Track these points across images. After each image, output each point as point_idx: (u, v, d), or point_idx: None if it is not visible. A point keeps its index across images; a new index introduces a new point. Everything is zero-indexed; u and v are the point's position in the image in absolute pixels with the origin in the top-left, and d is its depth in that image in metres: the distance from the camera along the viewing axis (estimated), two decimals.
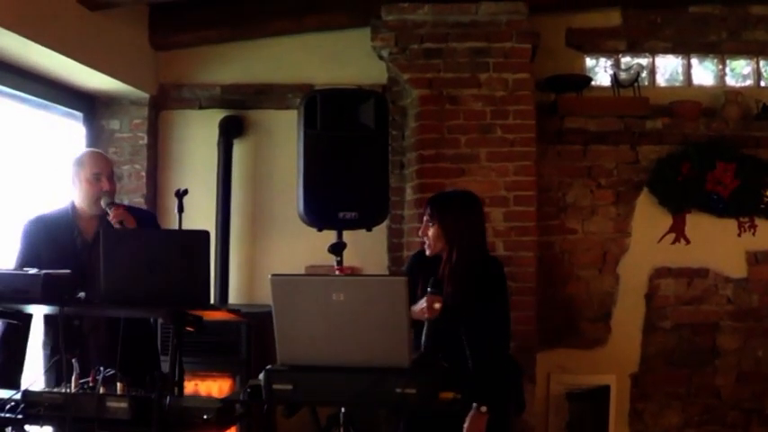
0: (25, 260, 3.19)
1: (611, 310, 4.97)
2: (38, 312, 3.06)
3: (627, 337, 4.95)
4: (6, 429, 2.54)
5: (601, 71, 5.19)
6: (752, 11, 5.04)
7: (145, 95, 4.93)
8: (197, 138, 5.06)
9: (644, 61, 5.14)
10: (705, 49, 5.13)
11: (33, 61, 4.03)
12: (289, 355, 2.51)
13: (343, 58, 4.95)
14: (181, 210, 3.17)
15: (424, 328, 3.01)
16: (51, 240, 3.26)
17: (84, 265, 3.13)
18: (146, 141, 4.96)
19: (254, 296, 4.95)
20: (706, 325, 4.95)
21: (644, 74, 5.09)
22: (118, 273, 2.64)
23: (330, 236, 4.23)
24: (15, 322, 2.94)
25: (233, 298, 4.91)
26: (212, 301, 4.40)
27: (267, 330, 2.60)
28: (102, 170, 3.32)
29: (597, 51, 5.15)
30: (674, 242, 4.97)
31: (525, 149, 4.56)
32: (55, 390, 2.56)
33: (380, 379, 2.39)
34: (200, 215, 4.47)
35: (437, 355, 2.85)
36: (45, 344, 3.30)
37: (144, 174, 4.94)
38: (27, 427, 2.57)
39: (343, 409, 3.18)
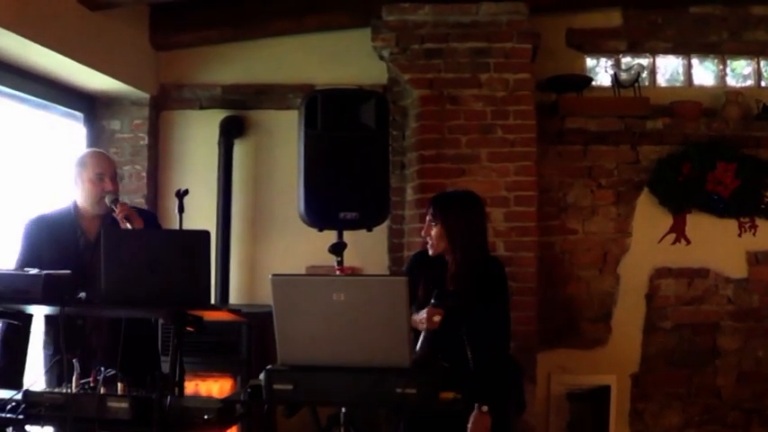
0: (26, 260, 3.19)
1: (612, 310, 4.97)
2: (38, 313, 3.06)
3: (627, 338, 4.95)
4: (7, 430, 2.55)
5: (601, 71, 5.19)
6: (752, 11, 5.04)
7: (145, 96, 4.93)
8: (198, 138, 5.06)
9: (644, 61, 5.14)
10: (706, 50, 5.13)
11: (33, 61, 4.03)
12: (289, 355, 2.51)
13: (344, 59, 4.95)
14: (181, 210, 3.17)
15: (421, 337, 3.00)
16: (53, 240, 3.26)
17: (86, 265, 3.13)
18: (146, 142, 4.96)
19: (255, 296, 4.95)
20: (706, 325, 4.95)
21: (644, 74, 5.09)
22: (118, 273, 2.64)
23: (331, 236, 4.22)
24: (16, 323, 2.94)
25: (233, 298, 4.91)
26: (213, 302, 4.40)
27: (268, 330, 2.60)
28: (105, 170, 3.32)
29: (598, 51, 5.16)
30: (674, 242, 4.97)
31: (526, 150, 4.56)
32: (56, 390, 2.56)
33: (381, 379, 2.40)
34: (200, 215, 4.47)
35: (437, 356, 2.85)
36: (46, 344, 3.31)
37: (144, 174, 4.94)
38: (28, 427, 2.57)
39: (343, 409, 3.18)
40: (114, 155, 4.81)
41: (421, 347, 2.97)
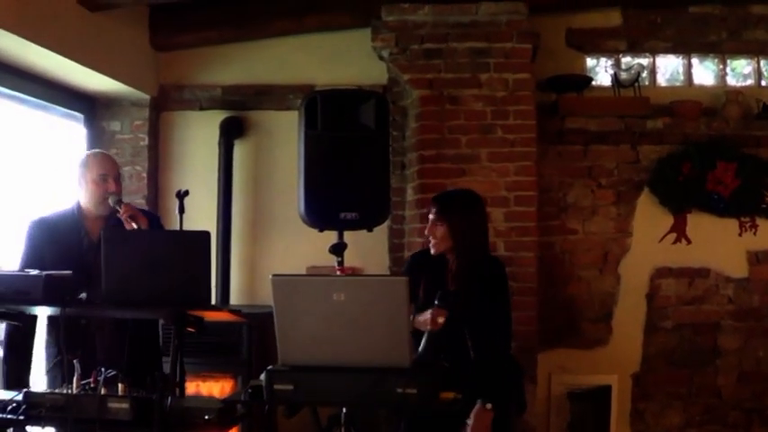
0: (29, 262, 3.19)
1: (612, 310, 4.97)
2: (40, 314, 3.06)
3: (628, 337, 4.94)
4: (8, 430, 2.55)
5: (601, 71, 5.19)
6: (752, 10, 5.03)
7: (145, 96, 4.93)
8: (198, 139, 5.07)
9: (644, 61, 5.14)
10: (705, 49, 5.13)
11: (33, 62, 4.03)
12: (290, 355, 2.51)
13: (344, 59, 4.95)
14: (182, 211, 3.17)
15: (424, 338, 3.00)
16: (56, 241, 3.25)
17: (90, 265, 3.12)
18: (146, 142, 4.96)
19: (256, 297, 4.95)
20: (707, 325, 4.95)
21: (644, 74, 5.09)
22: (119, 273, 2.64)
23: (331, 236, 4.23)
24: (17, 324, 2.94)
25: (234, 298, 4.91)
26: (213, 302, 4.39)
27: (268, 331, 2.60)
28: (108, 171, 3.32)
29: (598, 51, 5.15)
30: (674, 242, 4.97)
31: (526, 150, 4.56)
32: (56, 391, 2.56)
33: (381, 379, 2.40)
34: (201, 216, 4.47)
35: (439, 356, 2.85)
36: (48, 344, 3.30)
37: (145, 175, 4.94)
38: (28, 427, 2.57)
39: (344, 410, 3.18)
40: (114, 156, 4.78)
41: (424, 348, 2.97)
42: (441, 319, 3.01)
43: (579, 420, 4.85)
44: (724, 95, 4.93)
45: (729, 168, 4.83)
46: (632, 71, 4.96)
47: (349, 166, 4.21)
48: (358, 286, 2.55)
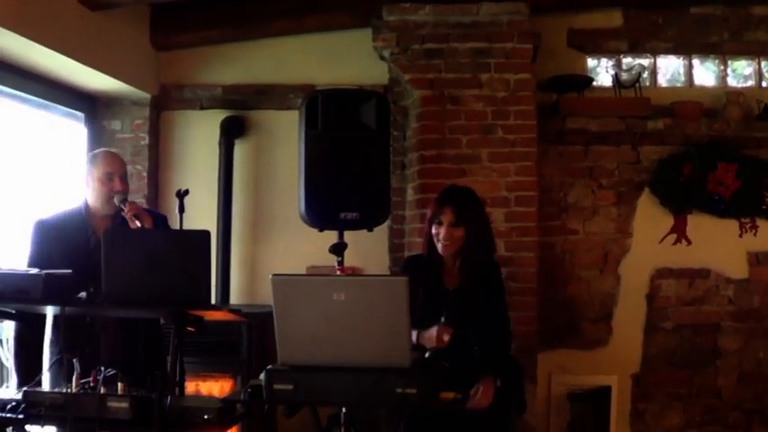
0: (36, 261, 3.19)
1: (613, 310, 4.97)
2: (44, 312, 3.06)
3: (628, 338, 4.94)
4: (7, 429, 2.55)
5: (602, 72, 5.18)
6: (753, 11, 5.03)
7: (146, 96, 4.93)
8: (198, 138, 5.07)
9: (645, 62, 5.13)
10: (706, 50, 5.12)
11: (34, 61, 4.03)
12: (289, 355, 2.51)
13: (345, 59, 4.95)
14: (182, 210, 3.18)
15: (428, 353, 2.99)
16: (63, 240, 3.26)
17: (97, 264, 3.11)
18: (147, 142, 4.96)
19: (256, 296, 4.95)
20: (707, 325, 4.95)
21: (645, 74, 5.08)
22: (119, 273, 2.64)
23: (331, 236, 4.22)
24: (18, 323, 2.94)
25: (234, 298, 4.91)
26: (213, 302, 4.40)
27: (268, 330, 2.60)
28: (114, 170, 3.33)
29: (598, 52, 5.15)
30: (675, 243, 4.97)
31: (526, 150, 4.55)
32: (56, 390, 2.56)
33: (381, 379, 2.40)
34: (201, 215, 4.47)
35: (439, 355, 2.86)
36: (52, 342, 3.30)
37: (145, 174, 4.94)
38: (28, 427, 2.57)
39: (344, 410, 3.18)
40: None
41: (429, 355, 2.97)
42: (446, 337, 3.00)
43: (579, 421, 4.85)
44: (725, 96, 4.93)
45: (730, 169, 4.83)
46: (633, 72, 4.95)
47: (349, 165, 4.20)
48: (358, 286, 2.55)
